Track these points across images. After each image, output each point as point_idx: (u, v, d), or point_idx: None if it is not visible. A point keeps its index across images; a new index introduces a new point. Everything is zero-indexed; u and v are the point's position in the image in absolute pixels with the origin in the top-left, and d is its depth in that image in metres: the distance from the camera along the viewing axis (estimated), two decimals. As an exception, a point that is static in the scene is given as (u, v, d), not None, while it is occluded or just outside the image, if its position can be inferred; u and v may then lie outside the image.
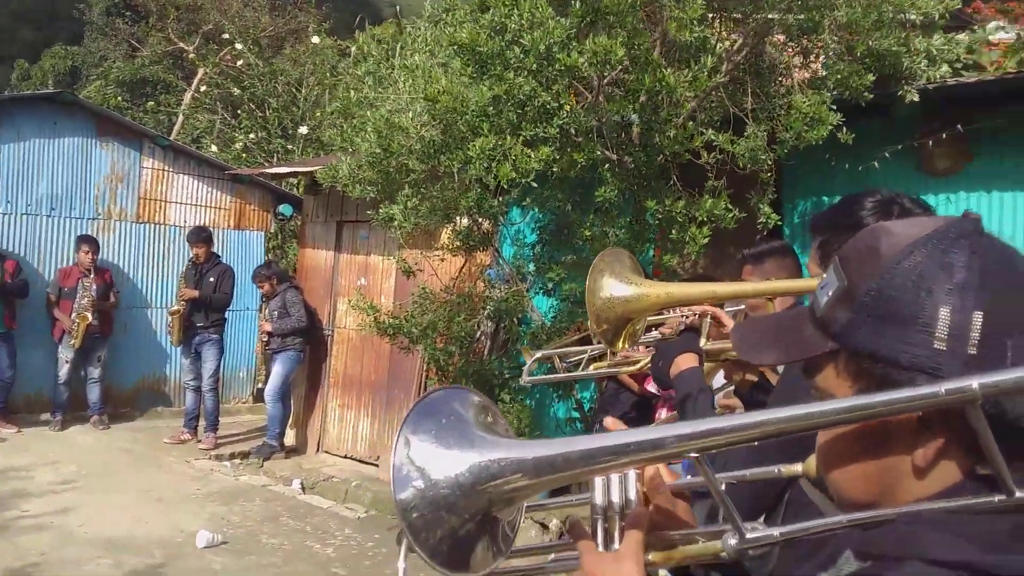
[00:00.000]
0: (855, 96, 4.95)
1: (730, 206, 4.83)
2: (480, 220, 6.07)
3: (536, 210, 6.65)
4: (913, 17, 4.74)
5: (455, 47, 4.35)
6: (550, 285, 6.12)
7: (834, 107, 4.90)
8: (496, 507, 1.14)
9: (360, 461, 9.15)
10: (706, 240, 4.71)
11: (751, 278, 3.77)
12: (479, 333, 7.49)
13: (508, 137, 4.31)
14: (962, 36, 5.78)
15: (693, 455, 1.08)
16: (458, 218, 5.72)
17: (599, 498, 1.25)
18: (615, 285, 2.20)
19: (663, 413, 5.12)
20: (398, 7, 17.63)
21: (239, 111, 15.77)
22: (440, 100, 4.31)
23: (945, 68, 5.07)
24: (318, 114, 14.27)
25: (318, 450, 9.68)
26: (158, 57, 21.14)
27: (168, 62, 21.43)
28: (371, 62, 5.86)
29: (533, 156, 4.26)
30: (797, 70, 5.03)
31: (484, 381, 7.26)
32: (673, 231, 4.81)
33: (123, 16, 23.29)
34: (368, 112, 4.89)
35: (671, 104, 4.51)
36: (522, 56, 4.23)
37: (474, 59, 4.32)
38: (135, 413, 10.77)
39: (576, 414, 6.97)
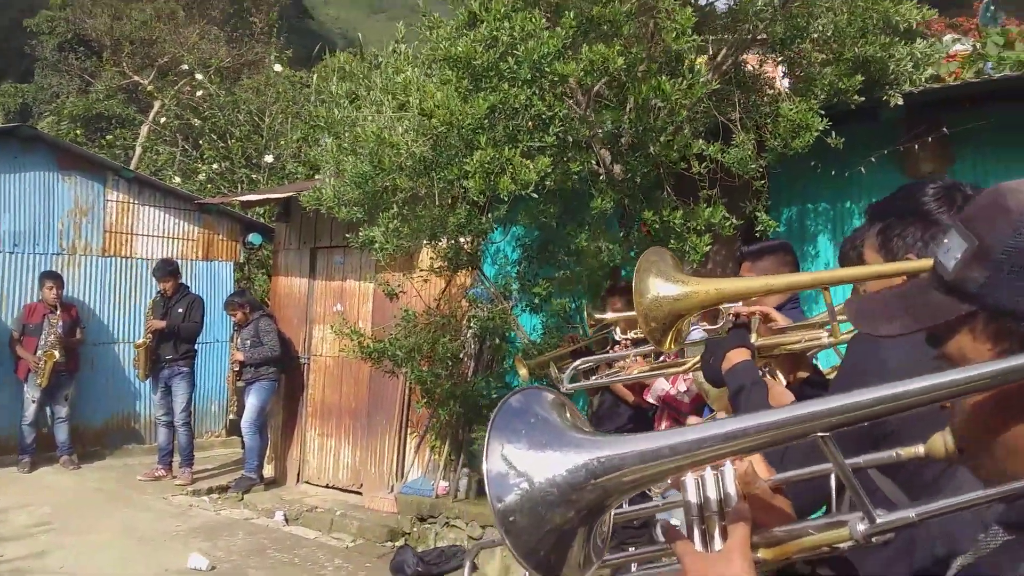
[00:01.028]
0: (845, 99, 5.00)
1: (727, 215, 4.84)
2: (467, 239, 6.02)
3: (516, 227, 6.63)
4: (897, 22, 4.80)
5: (449, 61, 4.31)
6: (537, 301, 6.07)
7: (822, 113, 4.95)
8: (596, 507, 1.09)
9: (343, 490, 8.98)
10: (708, 248, 4.71)
11: (749, 275, 3.78)
12: (462, 354, 7.41)
13: (506, 148, 4.28)
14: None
15: (820, 435, 1.04)
16: (444, 238, 5.64)
17: (693, 496, 1.19)
18: (662, 284, 2.16)
19: (663, 424, 5.08)
20: (359, 34, 17.61)
21: (200, 142, 15.57)
22: (436, 114, 4.26)
23: (930, 72, 5.15)
24: (282, 143, 14.13)
25: (298, 481, 9.48)
26: (112, 91, 20.84)
27: (122, 96, 21.14)
28: (346, 83, 5.81)
29: (532, 167, 4.22)
30: (782, 79, 5.06)
31: (471, 402, 7.19)
32: (672, 241, 4.79)
33: (75, 51, 22.93)
34: (358, 130, 4.82)
35: (666, 112, 4.50)
36: (516, 67, 4.20)
37: (469, 72, 4.28)
38: (105, 452, 10.47)
39: (566, 432, 6.89)
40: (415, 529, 7.42)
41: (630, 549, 1.52)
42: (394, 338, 6.97)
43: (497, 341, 7.25)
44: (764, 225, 5.14)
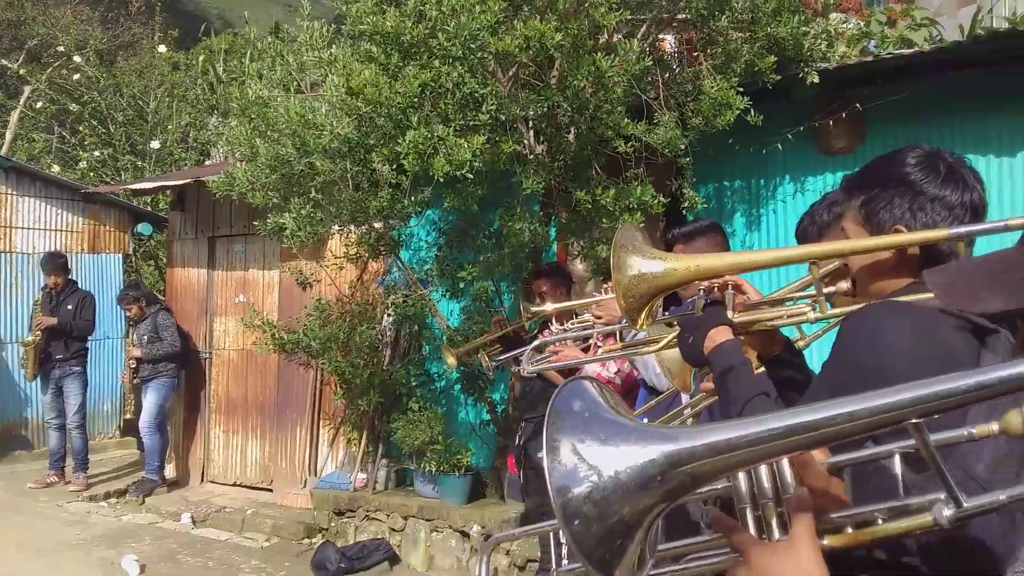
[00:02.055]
0: (760, 79, 5.04)
1: (655, 192, 4.82)
2: (382, 223, 5.84)
3: (431, 211, 6.47)
4: (816, -1, 4.88)
5: (376, 36, 4.12)
6: (461, 286, 5.95)
7: (741, 91, 4.98)
8: (661, 502, 1.02)
9: (252, 488, 8.67)
10: (640, 227, 4.67)
11: None
12: (379, 343, 7.23)
13: (440, 127, 4.13)
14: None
15: (913, 421, 0.99)
16: (365, 223, 5.46)
17: (744, 485, 1.14)
18: (642, 261, 2.10)
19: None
20: (246, 14, 17.00)
21: (80, 128, 14.69)
22: (365, 92, 4.07)
23: (843, 49, 5.25)
24: (169, 128, 13.46)
25: (203, 480, 9.11)
26: (-24, 77, 19.51)
27: (-15, 82, 19.81)
28: (254, 62, 5.54)
29: (467, 146, 4.09)
30: (703, 57, 5.07)
31: (391, 391, 7.02)
32: (603, 220, 4.75)
33: (-69, 34, 21.34)
34: (280, 111, 4.57)
35: (601, 91, 4.44)
36: (447, 44, 4.05)
37: (397, 48, 4.11)
38: (-10, 459, 9.82)
39: (487, 416, 6.83)
40: (333, 524, 7.21)
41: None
42: (308, 328, 6.74)
43: (416, 328, 7.09)
44: (691, 202, 5.16)
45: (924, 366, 1.63)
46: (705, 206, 5.35)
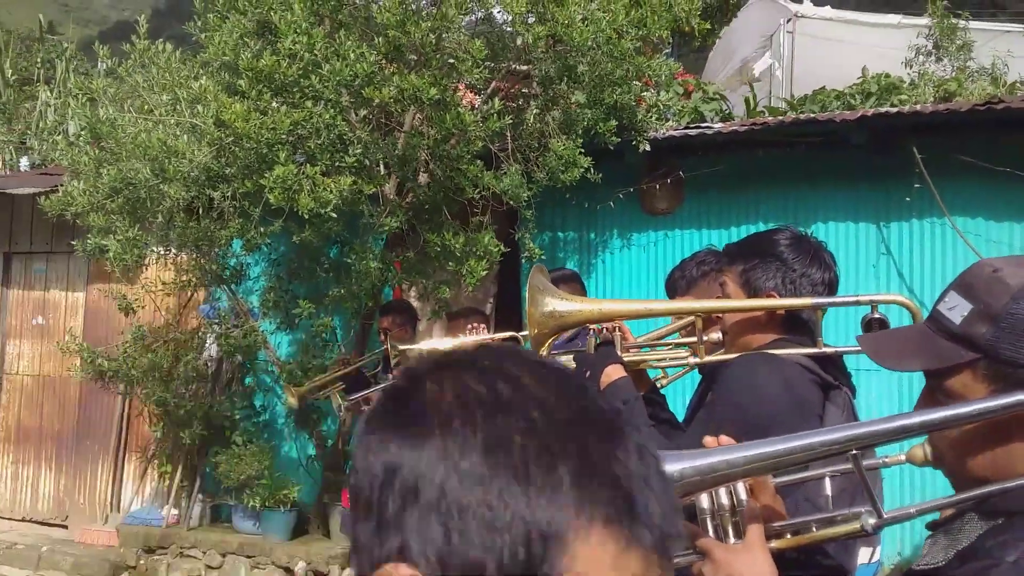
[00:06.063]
0: (603, 140, 5.45)
1: (496, 241, 5.11)
2: (217, 251, 5.79)
3: (265, 245, 6.44)
4: (651, 75, 5.36)
5: (249, 73, 4.16)
6: (297, 321, 5.96)
7: (583, 151, 5.39)
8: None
9: (44, 524, 8.11)
10: (484, 273, 4.93)
11: None
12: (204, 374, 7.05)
13: (308, 166, 4.22)
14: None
15: (854, 452, 1.27)
16: (213, 250, 5.40)
17: (705, 498, 1.38)
18: (555, 301, 2.37)
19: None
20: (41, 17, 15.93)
21: None
22: (237, 126, 4.09)
23: (672, 122, 5.80)
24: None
25: (-17, 515, 8.42)
26: None
27: None
28: (101, 79, 5.38)
29: (333, 186, 4.20)
30: (550, 115, 5.43)
31: (213, 424, 6.85)
32: (451, 264, 4.96)
33: None
34: (142, 136, 4.46)
35: (463, 142, 4.68)
36: (319, 87, 4.16)
37: (269, 86, 4.16)
38: None
39: (314, 450, 6.84)
40: (142, 562, 6.90)
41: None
42: (128, 356, 6.47)
43: (241, 360, 6.96)
44: (530, 252, 5.49)
45: (788, 410, 2.02)
46: (542, 256, 5.69)
